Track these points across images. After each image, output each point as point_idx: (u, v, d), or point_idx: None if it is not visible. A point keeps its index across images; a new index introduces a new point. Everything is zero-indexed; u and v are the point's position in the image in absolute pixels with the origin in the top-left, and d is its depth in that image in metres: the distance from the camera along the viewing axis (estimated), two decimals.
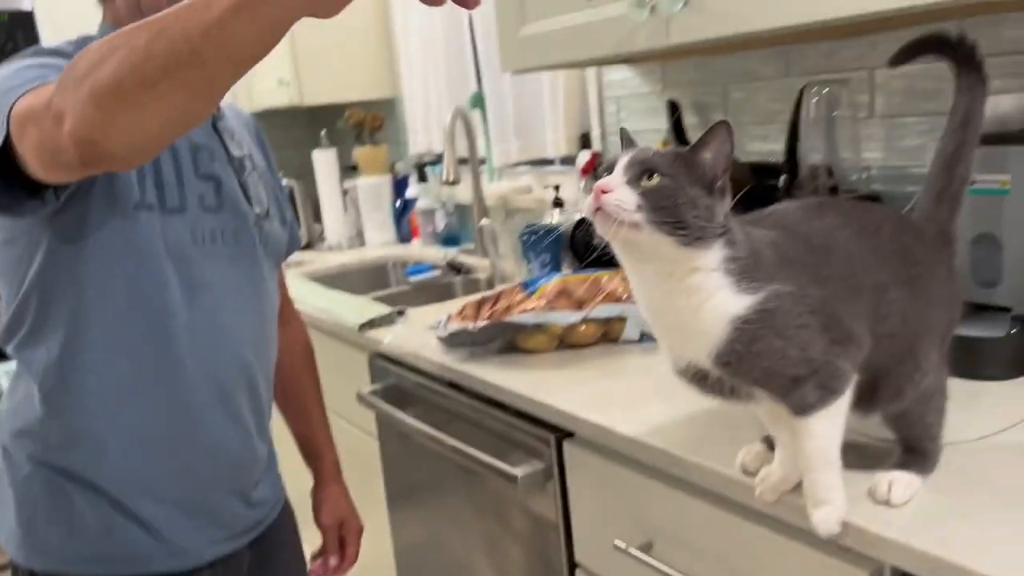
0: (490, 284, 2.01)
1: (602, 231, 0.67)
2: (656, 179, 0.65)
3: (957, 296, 0.82)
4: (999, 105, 1.06)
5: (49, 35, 2.41)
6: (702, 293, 0.67)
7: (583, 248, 1.67)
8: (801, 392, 0.69)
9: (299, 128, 3.08)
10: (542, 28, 1.43)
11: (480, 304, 1.39)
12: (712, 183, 0.67)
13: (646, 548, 0.95)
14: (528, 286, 1.36)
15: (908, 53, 0.81)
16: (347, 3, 0.59)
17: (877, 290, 0.74)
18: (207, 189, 0.97)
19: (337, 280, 2.23)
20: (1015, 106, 1.06)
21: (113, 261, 0.91)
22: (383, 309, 1.63)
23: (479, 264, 2.13)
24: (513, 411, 1.18)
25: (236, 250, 1.00)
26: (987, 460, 0.79)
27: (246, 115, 1.17)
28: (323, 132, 2.63)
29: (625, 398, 1.06)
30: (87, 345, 0.92)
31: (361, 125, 2.49)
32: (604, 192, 0.65)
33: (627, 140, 0.74)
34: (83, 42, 0.97)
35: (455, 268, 2.16)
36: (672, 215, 0.65)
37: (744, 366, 0.69)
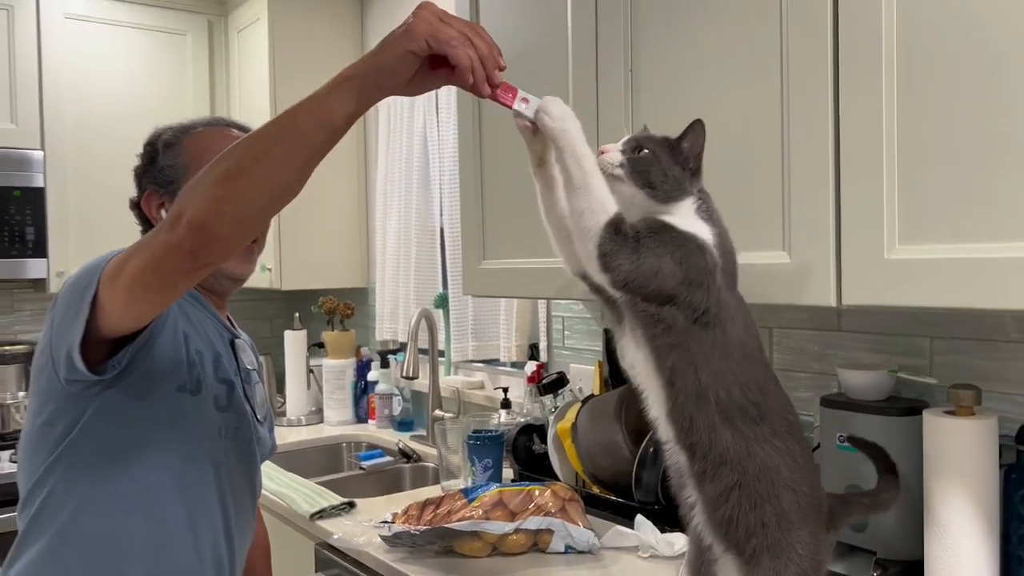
0: (437, 476, 2.14)
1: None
2: (642, 152, 0.94)
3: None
4: (866, 378, 1.29)
5: (56, 212, 2.63)
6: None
7: (524, 454, 1.83)
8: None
9: (274, 305, 3.29)
10: (499, 265, 1.67)
11: (424, 506, 1.53)
12: (686, 163, 0.94)
13: None
14: (468, 494, 1.51)
15: (858, 444, 1.10)
16: (408, 73, 0.83)
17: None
18: (221, 391, 1.15)
19: (293, 458, 2.34)
20: (878, 379, 1.28)
21: (156, 434, 1.06)
22: (334, 499, 1.75)
23: (429, 453, 2.27)
24: None
25: (237, 446, 1.17)
26: None
27: (250, 340, 1.37)
28: (297, 315, 2.83)
29: None
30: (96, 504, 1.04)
31: (333, 312, 2.70)
32: (602, 152, 0.94)
33: (643, 128, 1.04)
34: None
35: (406, 455, 2.29)
36: (644, 176, 0.92)
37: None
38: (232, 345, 1.22)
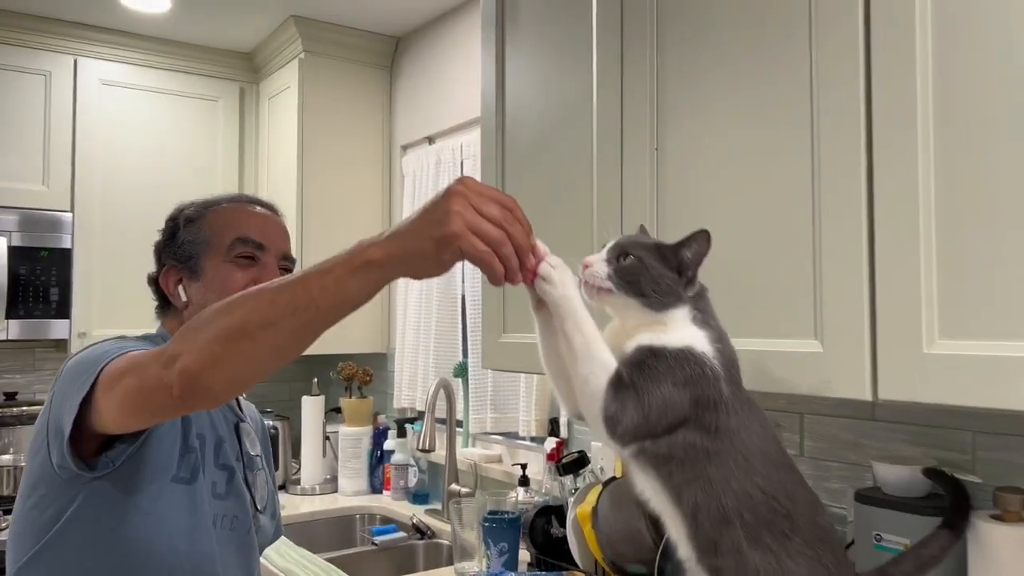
0: (451, 554, 2.06)
1: (587, 295, 0.88)
2: (628, 259, 0.87)
3: None
4: (903, 474, 1.22)
5: (81, 274, 2.65)
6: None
7: (542, 538, 1.76)
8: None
9: (293, 368, 3.26)
10: (519, 340, 1.63)
11: None
12: (683, 270, 0.88)
13: None
14: None
15: (934, 476, 1.07)
16: (440, 272, 0.77)
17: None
18: (220, 478, 1.10)
19: (305, 530, 2.28)
20: (917, 476, 1.21)
21: (146, 525, 1.02)
22: None
23: (443, 529, 2.19)
24: None
25: (233, 535, 1.12)
26: None
27: (258, 416, 1.33)
28: (315, 380, 2.79)
29: None
30: None
31: (352, 378, 2.66)
32: (586, 266, 0.88)
33: (641, 229, 0.98)
34: (147, 337, 1.14)
35: (420, 531, 2.22)
36: (635, 286, 0.86)
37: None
38: (237, 429, 1.18)
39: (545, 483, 1.97)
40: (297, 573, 1.75)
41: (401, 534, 2.21)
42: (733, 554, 0.81)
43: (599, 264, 0.89)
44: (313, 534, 2.30)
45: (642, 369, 0.82)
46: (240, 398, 1.26)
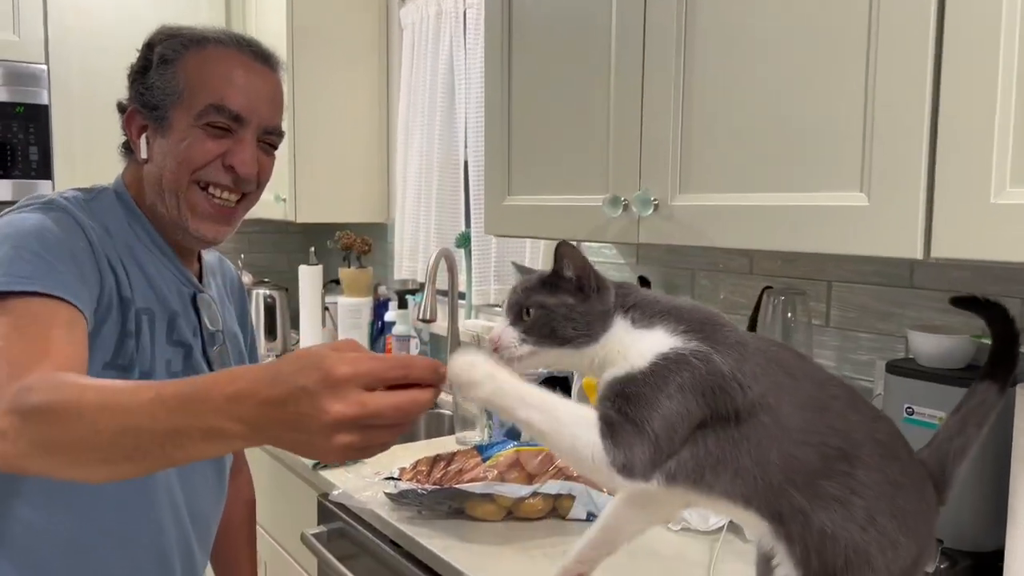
0: (453, 426, 2.02)
1: (518, 369, 0.73)
2: (531, 313, 0.73)
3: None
4: (942, 344, 1.12)
5: (61, 132, 2.49)
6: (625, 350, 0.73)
7: None
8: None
9: (290, 240, 3.15)
10: (525, 202, 1.50)
11: (434, 462, 1.40)
12: (583, 289, 0.74)
13: None
14: (483, 451, 1.38)
15: (966, 304, 0.88)
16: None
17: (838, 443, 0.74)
18: (176, 355, 1.00)
19: None
20: (958, 345, 1.11)
21: None
22: None
23: (445, 400, 2.14)
24: None
25: None
26: None
27: (233, 274, 1.21)
28: (312, 249, 2.69)
29: None
30: (25, 499, 0.92)
31: (350, 248, 2.56)
32: (496, 347, 0.73)
33: (521, 270, 0.81)
34: (96, 196, 1.01)
35: None
36: (555, 336, 0.72)
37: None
38: (194, 302, 1.06)
39: None
40: None
41: None
42: (798, 519, 0.72)
43: (507, 333, 0.74)
44: None
45: (625, 398, 0.69)
46: (204, 264, 1.14)
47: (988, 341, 1.11)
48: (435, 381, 0.62)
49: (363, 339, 2.60)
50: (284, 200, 2.59)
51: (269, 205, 2.66)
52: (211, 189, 1.00)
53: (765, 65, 1.05)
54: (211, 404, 0.60)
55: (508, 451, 1.34)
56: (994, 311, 0.87)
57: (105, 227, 0.97)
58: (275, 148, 1.07)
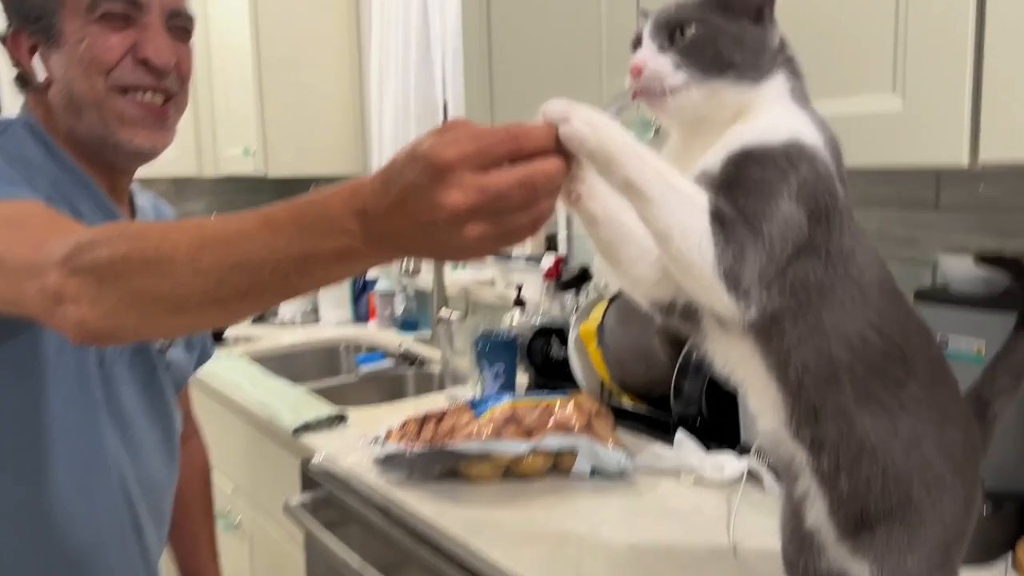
0: (442, 382, 1.92)
1: (654, 112, 0.62)
2: (690, 31, 0.61)
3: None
4: (967, 267, 1.01)
5: None
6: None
7: (541, 359, 1.59)
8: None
9: (264, 196, 3.00)
10: None
11: (423, 421, 1.29)
12: (760, 10, 0.62)
13: None
14: (476, 406, 1.27)
15: (993, 263, 0.85)
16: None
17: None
18: None
19: (284, 363, 2.12)
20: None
21: (14, 376, 0.81)
22: (322, 410, 1.53)
23: (434, 356, 2.04)
24: (446, 553, 1.08)
25: (133, 375, 0.91)
26: None
27: (171, 216, 1.09)
28: None
29: (574, 551, 0.96)
30: None
31: None
32: (639, 70, 0.61)
33: (644, 14, 0.68)
34: (4, 131, 0.88)
35: (409, 359, 2.06)
36: (719, 62, 0.60)
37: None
38: None
39: (543, 304, 1.78)
40: (272, 404, 1.59)
41: (389, 362, 2.05)
42: (837, 420, 0.62)
43: (654, 58, 0.61)
44: (295, 366, 2.15)
45: (746, 187, 0.57)
46: (137, 209, 1.01)
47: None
48: (557, 144, 0.53)
49: (344, 297, 2.48)
50: (253, 153, 2.44)
51: (237, 160, 2.51)
52: (131, 94, 0.87)
53: None
54: (336, 223, 0.53)
55: (503, 405, 1.23)
56: (1022, 268, 0.78)
57: (26, 163, 0.84)
58: (189, 34, 0.94)
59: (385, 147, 2.39)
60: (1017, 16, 0.74)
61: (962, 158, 0.80)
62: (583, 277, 1.64)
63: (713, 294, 0.57)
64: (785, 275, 0.58)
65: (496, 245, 0.52)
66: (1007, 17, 0.74)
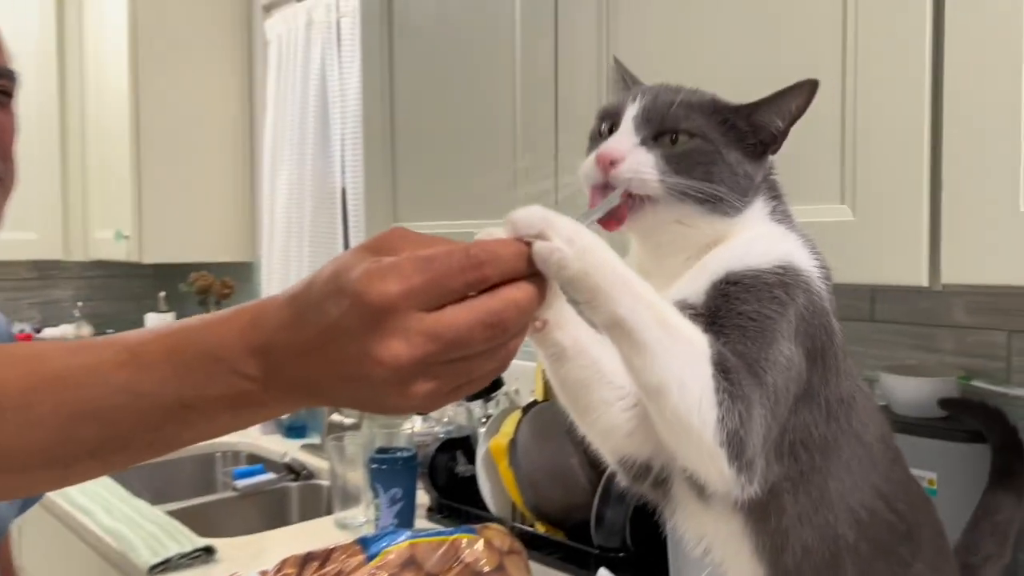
0: (330, 503, 1.70)
1: (627, 224, 0.51)
2: (689, 139, 0.50)
3: None
4: (923, 388, 0.93)
5: None
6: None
7: (445, 478, 1.42)
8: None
9: (139, 281, 2.75)
10: (417, 230, 1.24)
11: (305, 562, 1.09)
12: (767, 146, 0.53)
13: None
14: (368, 545, 1.08)
15: (958, 407, 0.81)
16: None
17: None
18: None
19: (151, 475, 1.85)
20: (941, 389, 0.93)
21: None
22: (185, 543, 1.29)
23: (323, 468, 1.83)
24: None
25: None
26: None
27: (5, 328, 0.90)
28: (162, 295, 2.31)
29: None
30: None
31: (207, 291, 2.20)
32: (610, 161, 0.49)
33: (626, 76, 0.57)
34: None
35: (293, 471, 1.84)
36: (703, 191, 0.50)
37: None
38: None
39: (448, 411, 1.62)
40: (126, 536, 1.35)
41: (270, 475, 1.82)
42: None
43: (634, 154, 0.50)
44: (161, 478, 1.88)
45: (742, 326, 0.47)
46: None
47: (977, 383, 0.94)
48: (530, 268, 0.41)
49: None
50: (127, 237, 2.21)
51: (109, 244, 2.27)
52: None
53: (713, 51, 0.84)
54: (227, 363, 0.40)
55: (400, 544, 1.05)
56: (992, 418, 0.74)
57: None
58: (9, 97, 0.79)
59: (277, 235, 2.22)
60: (977, 121, 0.67)
61: (921, 278, 0.72)
62: (494, 384, 1.50)
63: (711, 463, 0.45)
64: (784, 433, 0.47)
65: (449, 399, 0.40)
66: (966, 118, 0.68)
